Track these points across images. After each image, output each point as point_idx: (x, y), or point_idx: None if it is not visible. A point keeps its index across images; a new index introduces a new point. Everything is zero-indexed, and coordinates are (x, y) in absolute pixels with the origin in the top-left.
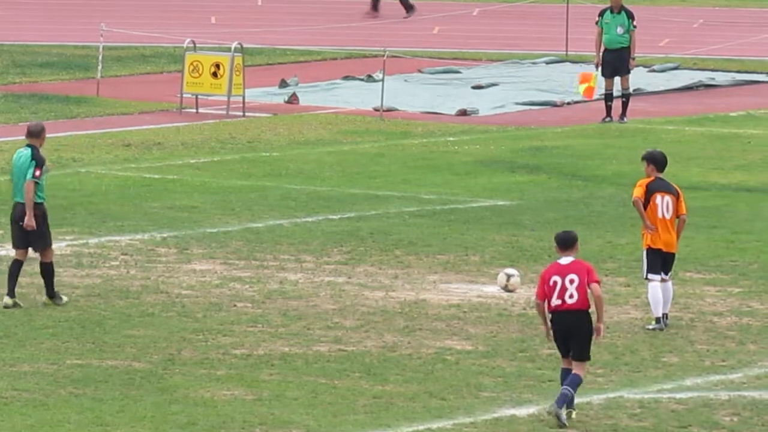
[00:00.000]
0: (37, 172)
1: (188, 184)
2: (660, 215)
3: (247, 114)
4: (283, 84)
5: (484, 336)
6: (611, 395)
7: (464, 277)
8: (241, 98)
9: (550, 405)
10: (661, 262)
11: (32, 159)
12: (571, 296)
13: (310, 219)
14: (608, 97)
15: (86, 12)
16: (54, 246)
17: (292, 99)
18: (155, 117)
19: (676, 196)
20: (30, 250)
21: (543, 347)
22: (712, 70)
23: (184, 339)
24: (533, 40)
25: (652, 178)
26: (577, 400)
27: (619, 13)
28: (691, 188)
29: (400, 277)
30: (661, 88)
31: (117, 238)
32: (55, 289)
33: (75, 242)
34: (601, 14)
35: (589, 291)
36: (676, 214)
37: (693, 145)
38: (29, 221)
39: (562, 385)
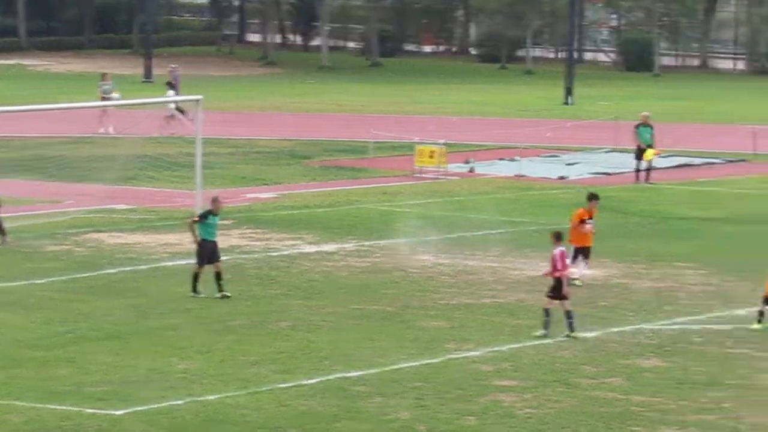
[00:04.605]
0: (197, 218)
1: (415, 214)
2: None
3: (448, 177)
4: (467, 161)
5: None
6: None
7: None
8: (445, 169)
9: None
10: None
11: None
12: None
13: (479, 233)
14: (637, 170)
15: (359, 122)
16: (343, 246)
17: (471, 170)
18: (399, 179)
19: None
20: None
21: None
22: (691, 156)
23: (413, 295)
24: (596, 140)
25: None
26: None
27: (646, 126)
28: (677, 218)
29: (519, 260)
30: (666, 165)
31: (379, 242)
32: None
33: (356, 244)
34: (637, 126)
35: None
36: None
37: (680, 195)
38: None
39: None
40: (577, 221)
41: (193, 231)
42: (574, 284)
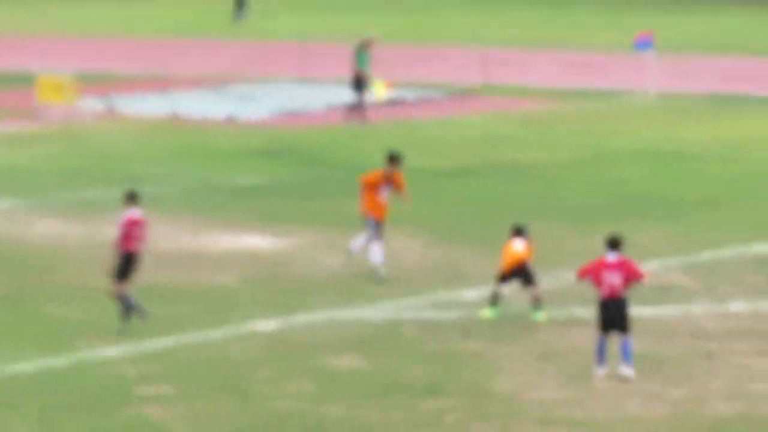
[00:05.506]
0: None
1: (36, 167)
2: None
3: (81, 118)
4: (105, 97)
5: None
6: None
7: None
8: (77, 107)
9: None
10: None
11: None
12: None
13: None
14: (355, 106)
15: None
16: None
17: (111, 109)
18: (16, 120)
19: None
20: None
21: None
22: (404, 89)
23: (30, 274)
24: (278, 67)
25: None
26: None
27: (366, 50)
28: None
29: (181, 229)
30: (371, 102)
31: None
32: None
33: None
34: (357, 50)
35: None
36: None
37: (391, 139)
38: None
39: None
40: (368, 186)
41: None
42: (379, 276)
